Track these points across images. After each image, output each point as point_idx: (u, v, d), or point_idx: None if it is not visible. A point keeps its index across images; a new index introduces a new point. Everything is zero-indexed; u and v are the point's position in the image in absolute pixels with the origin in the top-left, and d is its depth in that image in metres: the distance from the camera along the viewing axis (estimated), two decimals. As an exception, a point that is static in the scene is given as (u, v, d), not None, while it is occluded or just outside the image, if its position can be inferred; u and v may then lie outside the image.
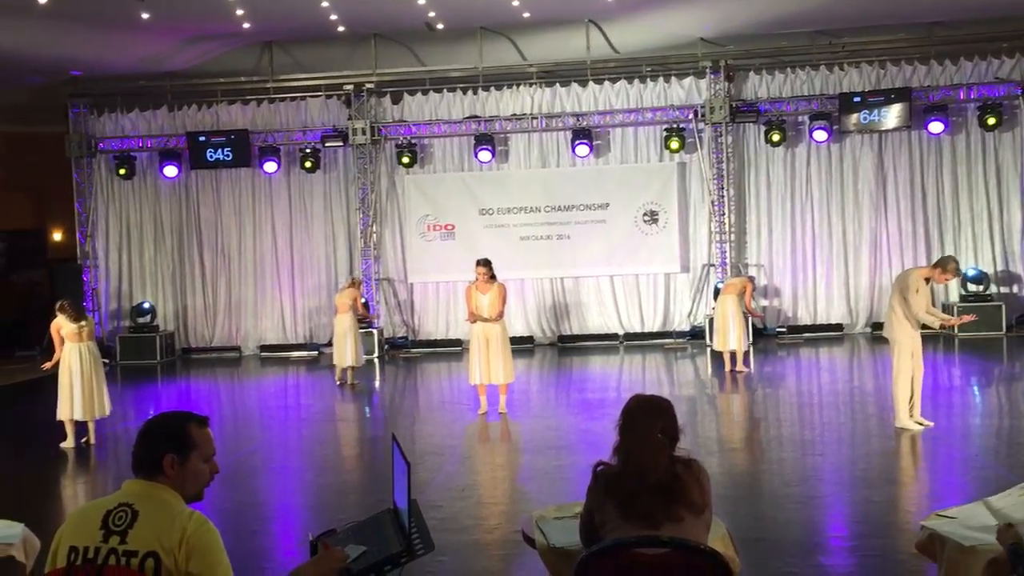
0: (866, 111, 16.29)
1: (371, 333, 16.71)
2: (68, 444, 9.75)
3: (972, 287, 16.28)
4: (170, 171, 17.81)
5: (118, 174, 17.96)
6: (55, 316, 9.96)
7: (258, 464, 9.06)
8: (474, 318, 10.55)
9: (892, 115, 16.21)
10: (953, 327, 8.71)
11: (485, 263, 10.55)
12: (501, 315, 10.54)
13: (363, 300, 15.54)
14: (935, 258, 16.37)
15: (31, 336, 19.04)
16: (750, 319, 14.51)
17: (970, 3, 15.49)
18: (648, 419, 3.36)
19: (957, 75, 16.58)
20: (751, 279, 14.61)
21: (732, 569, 3.05)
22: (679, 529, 3.15)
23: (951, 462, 8.08)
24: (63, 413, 9.78)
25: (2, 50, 15.23)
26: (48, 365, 10.06)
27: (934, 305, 10.13)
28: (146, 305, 18.05)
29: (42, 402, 10.11)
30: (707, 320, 16.26)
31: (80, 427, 9.91)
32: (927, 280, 8.79)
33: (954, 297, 16.42)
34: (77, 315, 9.94)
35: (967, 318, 9.20)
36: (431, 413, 11.90)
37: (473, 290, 10.60)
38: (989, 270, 16.48)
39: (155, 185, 18.30)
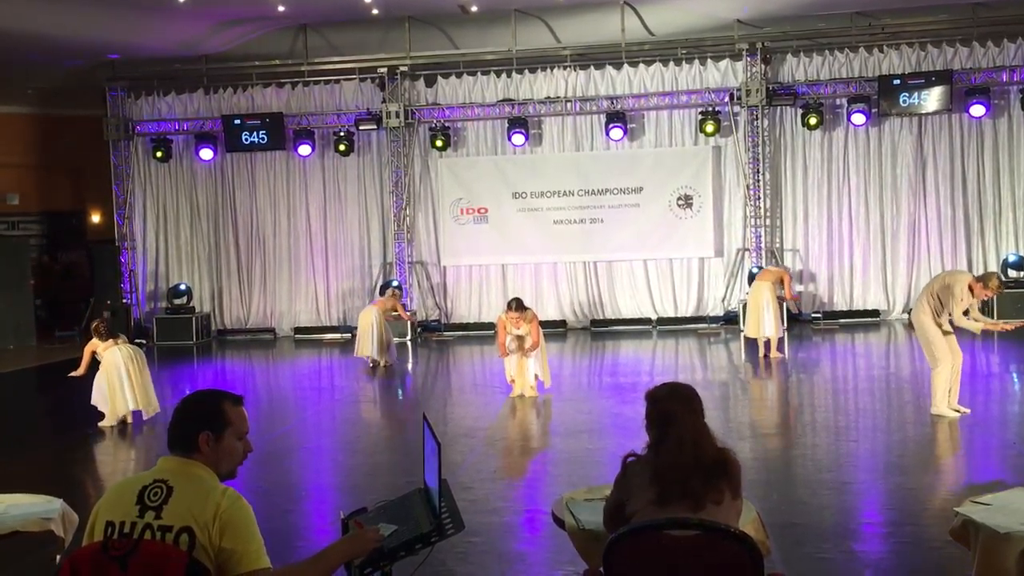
0: (906, 94, 16.02)
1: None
2: (105, 423, 9.89)
3: (1012, 273, 16.02)
4: (206, 154, 17.97)
5: (155, 157, 18.16)
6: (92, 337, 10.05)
7: (291, 445, 9.15)
8: (506, 352, 10.39)
9: (932, 98, 15.94)
10: (995, 332, 8.16)
11: (517, 306, 10.22)
12: (537, 344, 10.35)
13: (403, 304, 15.34)
14: (974, 243, 16.43)
15: (71, 317, 19.37)
16: (784, 305, 14.40)
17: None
18: (690, 404, 3.45)
19: (1000, 57, 16.25)
20: (787, 270, 14.55)
21: (762, 553, 3.04)
22: (717, 512, 3.16)
23: (987, 449, 7.98)
24: (119, 410, 9.75)
25: (42, 34, 15.43)
26: (77, 374, 10.11)
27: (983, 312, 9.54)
28: (182, 287, 18.27)
29: (80, 381, 10.24)
30: (741, 305, 16.17)
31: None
32: (970, 288, 8.51)
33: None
34: (108, 334, 9.97)
35: (1018, 323, 8.62)
36: (463, 395, 11.94)
37: (507, 324, 10.35)
38: (1030, 256, 16.23)
39: (191, 168, 18.49)
